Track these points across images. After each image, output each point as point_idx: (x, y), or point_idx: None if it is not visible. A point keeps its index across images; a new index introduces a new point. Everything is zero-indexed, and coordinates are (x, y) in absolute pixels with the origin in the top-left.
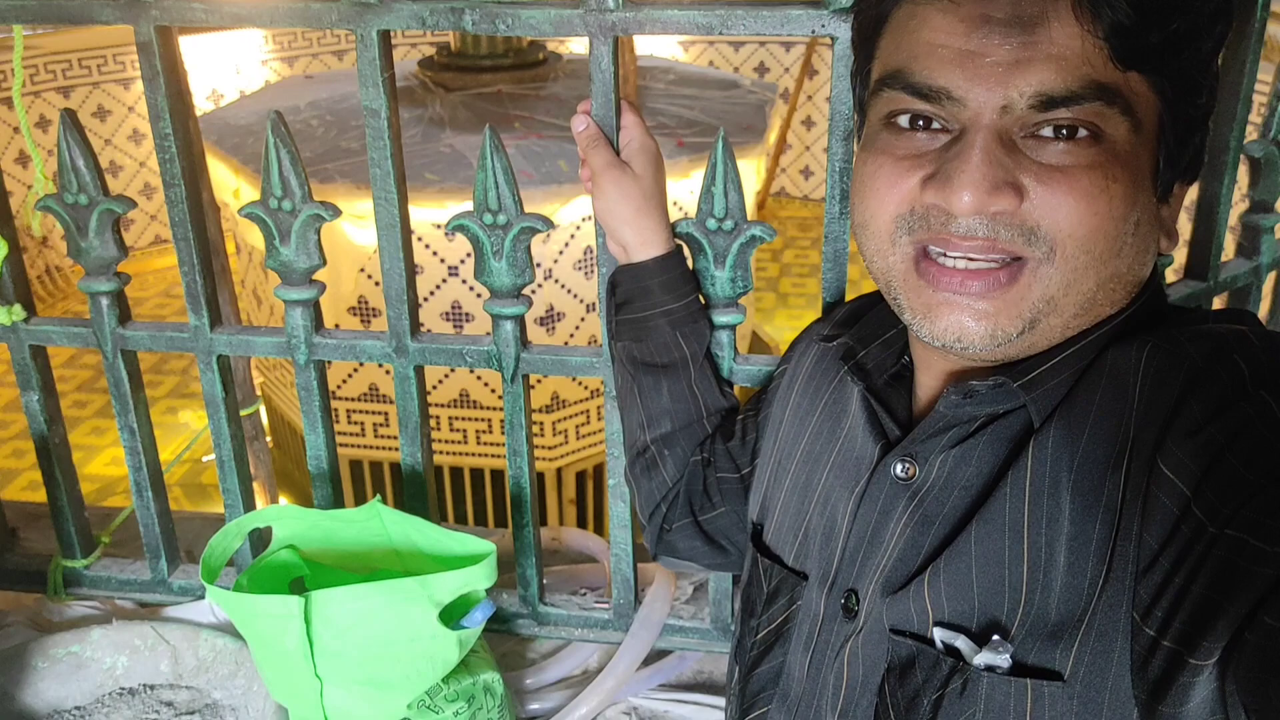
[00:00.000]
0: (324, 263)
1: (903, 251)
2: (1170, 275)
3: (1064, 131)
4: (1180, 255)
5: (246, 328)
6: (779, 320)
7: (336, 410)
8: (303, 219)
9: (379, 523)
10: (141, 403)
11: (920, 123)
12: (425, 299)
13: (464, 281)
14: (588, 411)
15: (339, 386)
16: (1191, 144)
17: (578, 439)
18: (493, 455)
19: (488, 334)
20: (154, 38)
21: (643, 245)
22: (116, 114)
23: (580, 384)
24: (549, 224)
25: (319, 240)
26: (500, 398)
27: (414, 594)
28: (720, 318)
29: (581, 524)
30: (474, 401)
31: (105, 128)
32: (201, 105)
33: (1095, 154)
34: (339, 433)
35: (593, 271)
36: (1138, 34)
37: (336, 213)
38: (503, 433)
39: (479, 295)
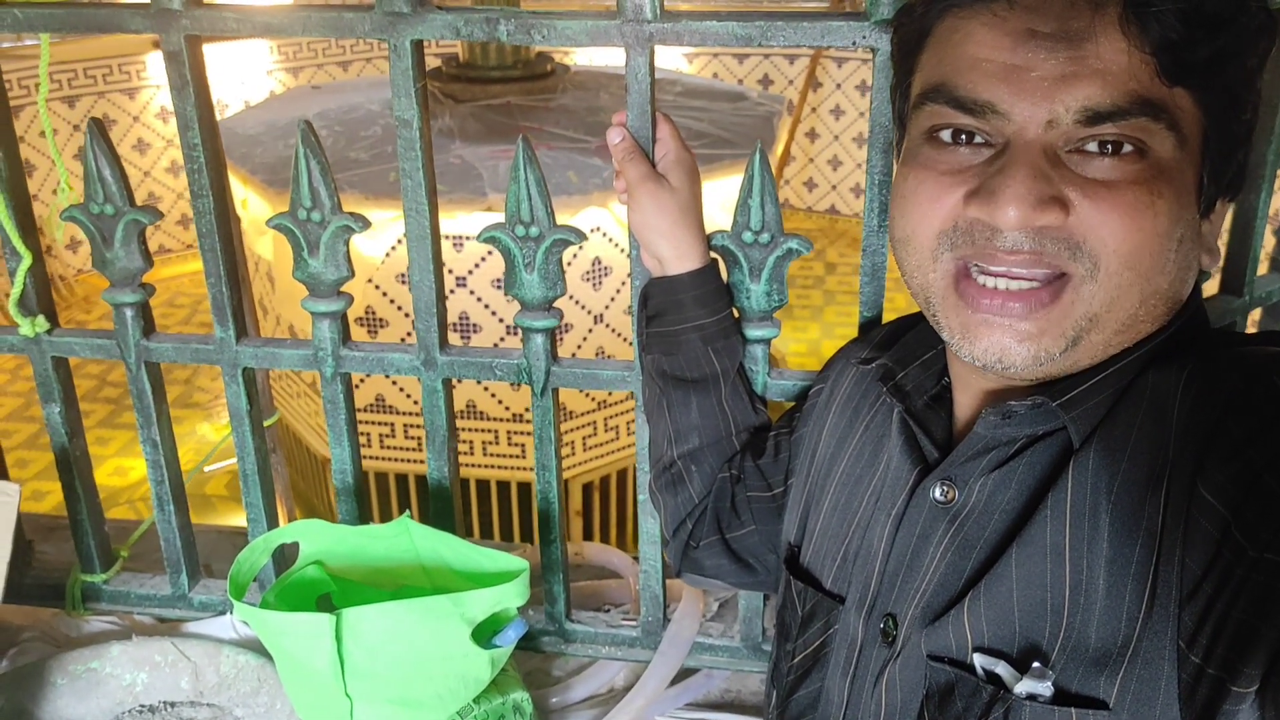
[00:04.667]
0: (352, 274)
1: (943, 269)
2: (1205, 290)
3: (1109, 147)
4: (1214, 269)
5: (272, 340)
6: (783, 332)
7: None
8: (332, 230)
9: (408, 539)
10: (165, 415)
11: (963, 137)
12: None
13: (472, 292)
14: (594, 423)
15: None
16: (1235, 160)
17: (584, 450)
18: (499, 467)
19: (500, 342)
20: (184, 47)
21: (678, 259)
22: (122, 123)
23: (587, 395)
24: (581, 236)
25: (348, 252)
26: (507, 409)
27: (447, 612)
28: (754, 332)
29: (588, 536)
30: (481, 413)
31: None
32: None
33: (1140, 169)
34: None
35: (600, 283)
36: (1185, 49)
37: (366, 224)
38: (509, 444)
39: (486, 305)
